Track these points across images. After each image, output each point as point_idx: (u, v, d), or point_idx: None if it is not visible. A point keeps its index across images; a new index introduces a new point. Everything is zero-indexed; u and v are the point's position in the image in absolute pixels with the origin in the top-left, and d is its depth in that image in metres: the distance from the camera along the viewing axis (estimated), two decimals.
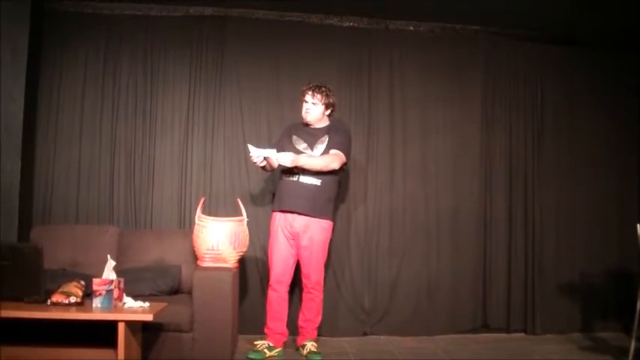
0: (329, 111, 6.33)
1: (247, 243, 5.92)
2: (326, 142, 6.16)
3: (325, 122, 6.35)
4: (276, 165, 6.07)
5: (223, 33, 7.13)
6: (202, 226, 5.76)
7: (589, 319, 7.46)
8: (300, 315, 6.27)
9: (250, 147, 5.93)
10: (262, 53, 7.17)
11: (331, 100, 6.30)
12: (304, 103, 6.25)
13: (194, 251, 5.88)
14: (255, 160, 5.93)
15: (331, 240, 6.47)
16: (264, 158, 5.94)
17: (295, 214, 6.03)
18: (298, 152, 6.05)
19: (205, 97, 7.07)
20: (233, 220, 5.88)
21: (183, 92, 7.06)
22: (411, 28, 7.44)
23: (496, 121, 7.56)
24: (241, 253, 5.88)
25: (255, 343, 6.07)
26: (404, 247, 7.28)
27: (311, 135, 6.25)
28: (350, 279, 7.15)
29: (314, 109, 6.23)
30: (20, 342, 4.74)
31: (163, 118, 7.03)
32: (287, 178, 6.10)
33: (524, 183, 7.53)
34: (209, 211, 6.20)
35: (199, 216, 5.85)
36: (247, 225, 5.95)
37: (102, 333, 4.61)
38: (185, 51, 7.09)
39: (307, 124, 6.31)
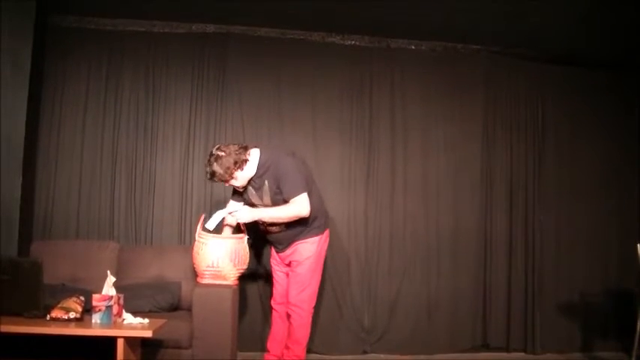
0: (240, 168, 5.56)
1: (247, 260, 5.89)
2: (267, 189, 5.63)
3: (252, 169, 5.64)
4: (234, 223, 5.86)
5: (225, 50, 7.15)
6: (202, 243, 5.74)
7: (589, 339, 7.44)
8: None
9: (208, 225, 5.77)
10: (264, 71, 7.18)
11: (230, 161, 5.53)
12: (226, 185, 5.86)
13: (194, 268, 5.87)
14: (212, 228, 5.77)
15: (330, 257, 6.49)
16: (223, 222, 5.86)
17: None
18: (253, 205, 5.78)
19: (207, 113, 7.08)
20: (233, 238, 5.85)
21: (184, 109, 7.08)
22: (413, 47, 7.47)
23: (497, 141, 7.57)
24: (241, 271, 5.84)
25: None
26: (404, 265, 7.27)
27: (256, 184, 5.72)
28: (350, 297, 7.13)
29: (235, 182, 5.67)
30: (19, 357, 4.73)
31: (164, 134, 7.04)
32: (260, 226, 5.93)
33: (524, 202, 7.53)
34: None
35: (199, 233, 5.83)
36: (248, 242, 5.93)
37: (101, 349, 4.59)
38: (187, 68, 7.11)
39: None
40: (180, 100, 7.08)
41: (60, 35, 6.90)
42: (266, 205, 5.71)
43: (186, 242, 6.79)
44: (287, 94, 7.18)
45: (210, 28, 7.14)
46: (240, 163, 5.55)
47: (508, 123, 7.60)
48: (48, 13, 6.66)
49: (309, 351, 6.26)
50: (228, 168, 5.52)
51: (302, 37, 7.28)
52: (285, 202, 5.58)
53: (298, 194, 5.54)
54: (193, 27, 7.12)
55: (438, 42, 7.50)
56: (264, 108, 7.12)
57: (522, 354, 7.31)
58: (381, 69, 7.40)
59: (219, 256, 5.67)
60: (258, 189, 5.69)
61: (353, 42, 7.36)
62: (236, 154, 5.56)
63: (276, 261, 6.07)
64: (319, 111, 7.24)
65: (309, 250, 5.79)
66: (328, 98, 7.21)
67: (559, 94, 7.73)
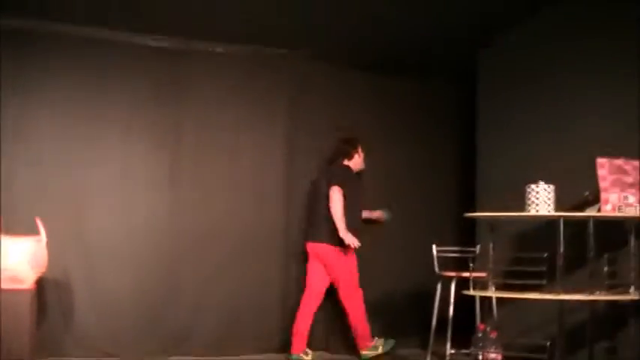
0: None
1: (46, 262, 5.79)
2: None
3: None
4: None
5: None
6: None
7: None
8: None
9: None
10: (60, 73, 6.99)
11: None
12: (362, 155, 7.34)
13: None
14: None
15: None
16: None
17: None
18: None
19: None
20: (30, 240, 5.73)
21: None
22: (219, 50, 7.46)
23: (300, 146, 7.71)
24: (39, 274, 5.75)
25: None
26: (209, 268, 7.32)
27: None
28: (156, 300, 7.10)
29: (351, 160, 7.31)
30: None
31: None
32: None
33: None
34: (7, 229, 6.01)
35: None
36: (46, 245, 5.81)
37: None
38: None
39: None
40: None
41: (13, 38, 6.65)
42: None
43: None
44: (95, 97, 7.02)
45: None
46: None
47: (310, 128, 7.76)
48: None
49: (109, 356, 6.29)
50: None
51: (108, 37, 7.09)
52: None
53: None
54: None
55: (246, 45, 7.48)
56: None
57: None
58: (187, 72, 7.36)
59: (16, 258, 5.55)
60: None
61: (156, 43, 7.24)
62: None
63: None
64: (128, 113, 7.15)
65: None
66: (134, 100, 7.10)
67: (367, 100, 8.03)
